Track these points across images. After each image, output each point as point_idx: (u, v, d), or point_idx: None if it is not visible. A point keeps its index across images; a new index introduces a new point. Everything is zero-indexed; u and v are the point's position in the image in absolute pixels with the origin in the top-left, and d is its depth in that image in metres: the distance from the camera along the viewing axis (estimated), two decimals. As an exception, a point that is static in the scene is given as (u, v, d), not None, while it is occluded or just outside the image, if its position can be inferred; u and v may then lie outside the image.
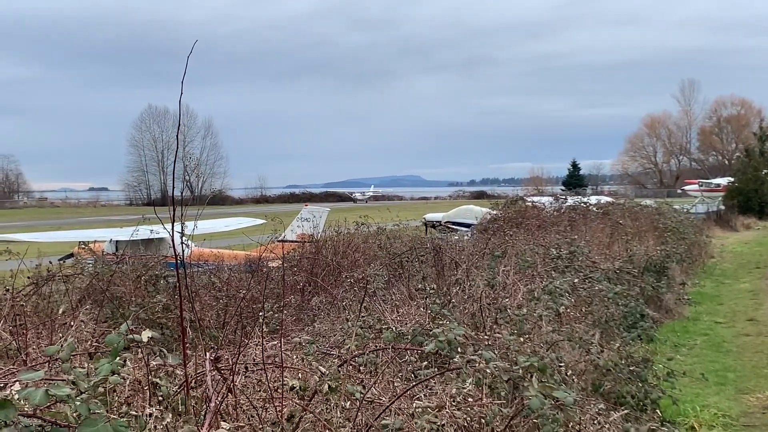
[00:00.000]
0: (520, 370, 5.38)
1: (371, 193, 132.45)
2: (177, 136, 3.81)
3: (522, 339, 7.27)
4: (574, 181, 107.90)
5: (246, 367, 5.16)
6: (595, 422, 6.12)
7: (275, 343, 5.88)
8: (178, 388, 4.51)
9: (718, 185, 63.12)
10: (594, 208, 24.99)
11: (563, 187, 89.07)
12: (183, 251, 5.61)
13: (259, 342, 5.60)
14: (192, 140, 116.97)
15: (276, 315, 8.87)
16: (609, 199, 33.72)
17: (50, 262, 10.70)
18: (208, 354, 4.68)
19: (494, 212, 23.89)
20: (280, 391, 4.81)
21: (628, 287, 13.43)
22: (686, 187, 76.33)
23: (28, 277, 9.74)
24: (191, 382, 4.52)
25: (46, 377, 3.80)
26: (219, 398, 4.37)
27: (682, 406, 9.10)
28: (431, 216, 37.32)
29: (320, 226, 20.97)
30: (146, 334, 4.03)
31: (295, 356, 6.12)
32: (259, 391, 5.07)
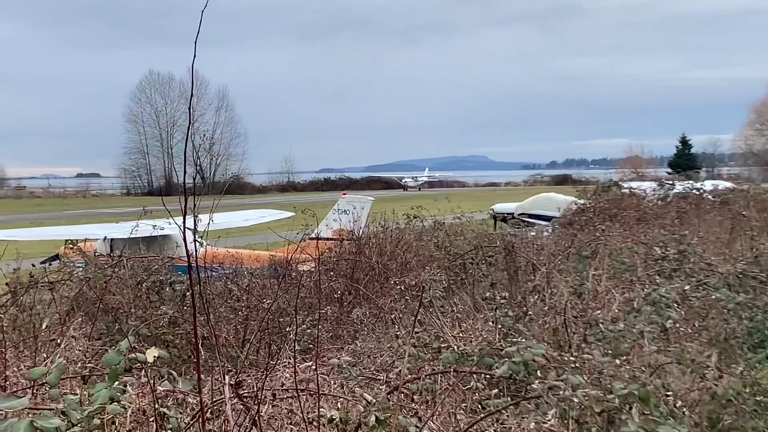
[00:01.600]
0: (616, 400, 5.34)
1: (425, 178, 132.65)
2: (189, 109, 3.84)
3: (618, 361, 7.22)
4: (684, 161, 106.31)
5: (274, 395, 5.21)
6: (713, 466, 6.07)
7: (309, 365, 5.94)
8: (191, 420, 4.58)
9: None
10: (710, 196, 24.65)
11: (670, 170, 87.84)
12: (196, 251, 5.68)
13: (289, 364, 5.66)
14: (203, 114, 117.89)
15: (309, 330, 8.95)
16: (729, 184, 33.25)
17: (32, 266, 10.90)
18: (227, 378, 4.73)
19: (581, 202, 23.73)
20: (315, 423, 4.85)
21: (753, 296, 13.21)
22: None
23: (6, 284, 9.94)
24: (207, 413, 4.58)
25: (31, 406, 3.88)
26: (241, 432, 4.43)
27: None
28: (501, 207, 37.25)
29: (362, 220, 21.01)
30: (152, 353, 4.09)
31: (333, 381, 6.18)
32: (290, 424, 5.13)
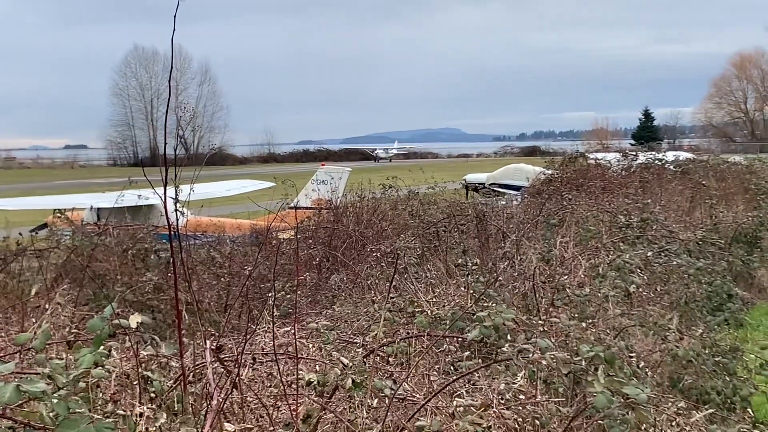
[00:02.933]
0: (583, 362, 5.34)
1: (395, 150, 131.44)
2: (169, 81, 3.78)
3: (584, 324, 7.24)
4: (647, 133, 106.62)
5: (254, 359, 5.19)
6: (673, 423, 6.07)
7: (288, 329, 5.91)
8: (174, 383, 4.55)
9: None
10: (671, 167, 24.74)
11: (633, 141, 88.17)
12: (177, 220, 5.62)
13: (268, 329, 5.63)
14: (186, 88, 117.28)
15: (288, 296, 8.91)
16: (689, 155, 33.35)
17: (20, 234, 10.80)
18: (208, 342, 4.70)
19: (549, 172, 23.74)
20: (294, 386, 4.83)
21: (712, 262, 13.31)
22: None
23: (-6, 252, 9.84)
24: (189, 376, 4.55)
25: (17, 370, 3.84)
26: (222, 395, 4.40)
27: (778, 404, 9.04)
28: (473, 177, 37.29)
29: (340, 190, 20.99)
30: (135, 319, 4.05)
31: (311, 345, 6.15)
32: (270, 386, 5.10)
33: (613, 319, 8.07)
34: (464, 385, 5.66)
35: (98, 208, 20.19)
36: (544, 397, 5.40)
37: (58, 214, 14.90)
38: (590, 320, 7.73)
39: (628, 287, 9.21)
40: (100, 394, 4.18)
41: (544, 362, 5.33)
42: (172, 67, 4.24)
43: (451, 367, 6.41)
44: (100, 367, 3.80)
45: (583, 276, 9.57)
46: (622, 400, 4.83)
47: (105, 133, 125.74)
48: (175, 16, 3.77)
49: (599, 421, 5.12)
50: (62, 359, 3.88)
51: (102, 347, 3.88)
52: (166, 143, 4.75)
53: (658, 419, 5.84)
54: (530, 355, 5.47)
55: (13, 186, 65.73)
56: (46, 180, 77.96)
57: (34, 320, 7.49)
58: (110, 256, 10.52)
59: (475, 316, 6.16)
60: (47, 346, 4.17)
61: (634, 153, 26.44)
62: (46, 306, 7.60)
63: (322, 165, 25.94)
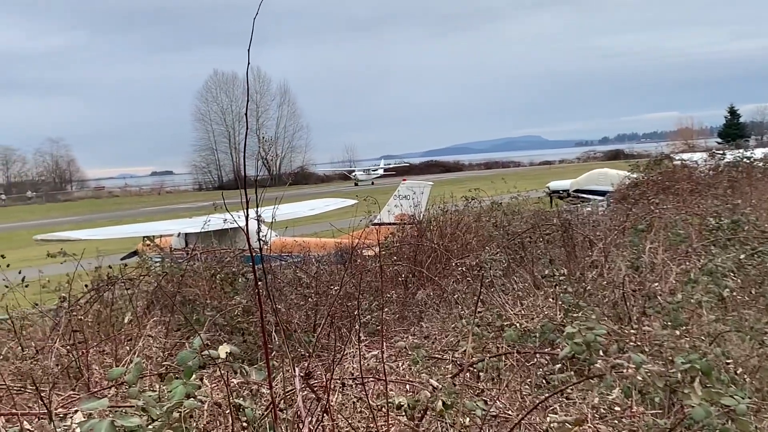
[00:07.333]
0: (678, 374, 5.22)
1: (381, 171, 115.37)
2: (246, 113, 3.81)
3: (678, 332, 7.08)
4: (733, 131, 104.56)
5: (343, 384, 5.18)
6: (776, 432, 5.90)
7: (376, 353, 5.89)
8: (265, 411, 4.57)
9: None
10: (760, 164, 24.14)
11: (719, 140, 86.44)
12: (260, 243, 5.68)
13: (356, 350, 5.62)
14: (266, 109, 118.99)
15: (375, 314, 8.92)
16: (779, 151, 32.52)
17: (110, 267, 11.02)
18: (297, 369, 4.71)
19: (634, 176, 23.41)
20: (384, 410, 4.81)
21: (809, 261, 12.92)
22: None
23: (85, 285, 10.05)
24: (279, 403, 4.56)
25: (112, 404, 3.89)
26: (313, 421, 4.40)
27: None
28: (556, 184, 36.93)
29: (422, 204, 20.97)
30: (224, 349, 4.08)
31: (400, 364, 6.13)
32: (360, 410, 5.09)
33: (707, 325, 7.87)
34: (557, 399, 5.58)
35: (185, 234, 20.55)
36: (640, 409, 5.30)
37: (148, 242, 15.21)
38: (683, 328, 7.56)
39: (722, 292, 8.98)
40: (194, 424, 4.22)
41: (639, 378, 5.23)
42: (248, 98, 4.28)
43: (543, 381, 6.32)
44: (192, 398, 3.83)
45: (674, 282, 9.37)
46: (719, 409, 4.71)
47: (189, 158, 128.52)
48: (249, 50, 3.80)
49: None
50: (155, 391, 3.94)
51: (193, 377, 3.92)
52: (245, 166, 4.82)
53: (759, 426, 5.68)
54: (624, 370, 5.37)
55: (103, 215, 67.47)
56: (134, 207, 79.75)
57: (128, 348, 7.64)
58: (199, 280, 10.67)
59: (565, 333, 6.07)
60: (139, 379, 4.23)
61: (721, 152, 25.85)
62: (138, 333, 7.74)
63: (404, 180, 25.96)
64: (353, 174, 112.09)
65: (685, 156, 27.41)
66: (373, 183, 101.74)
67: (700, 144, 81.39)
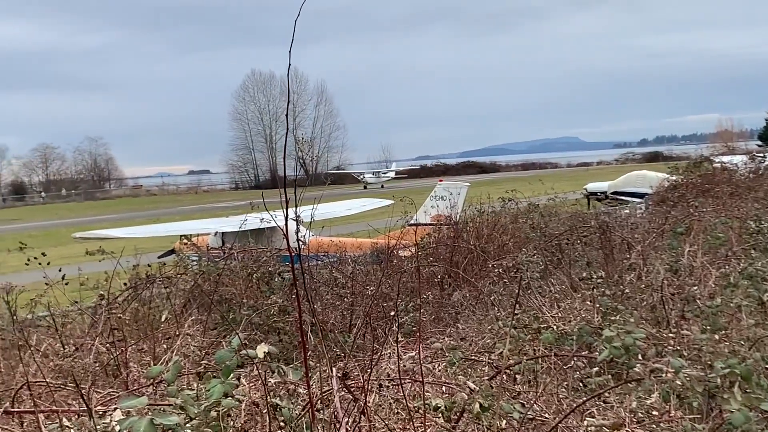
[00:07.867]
0: (718, 379, 5.18)
1: (392, 174, 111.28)
2: (287, 115, 3.82)
3: (717, 336, 7.01)
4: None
5: (380, 384, 5.19)
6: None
7: (413, 354, 5.90)
8: (302, 410, 4.58)
9: None
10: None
11: (760, 142, 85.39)
12: (299, 243, 5.69)
13: (393, 351, 5.63)
14: (303, 109, 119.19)
15: (412, 314, 8.92)
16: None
17: (148, 266, 11.11)
18: (334, 370, 4.72)
19: (673, 178, 23.22)
20: (421, 411, 4.81)
21: None
22: None
23: (123, 284, 10.14)
24: (316, 403, 4.57)
25: (151, 402, 3.92)
26: (350, 422, 4.41)
27: None
28: (594, 186, 36.70)
29: (459, 205, 20.95)
30: (262, 349, 4.09)
31: (436, 366, 6.13)
32: (397, 411, 5.09)
33: (746, 330, 7.78)
34: (595, 403, 5.55)
35: (222, 233, 20.65)
36: (678, 413, 5.25)
37: (185, 240, 15.33)
38: (723, 332, 7.49)
39: (762, 296, 8.89)
40: (231, 423, 4.24)
41: (678, 383, 5.20)
42: (288, 99, 4.30)
43: (580, 384, 6.29)
44: (230, 397, 3.86)
45: (713, 286, 9.28)
46: (760, 415, 4.68)
47: (226, 157, 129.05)
48: (290, 51, 3.81)
49: (738, 437, 4.95)
50: (193, 389, 3.97)
51: (231, 376, 3.94)
52: (285, 166, 4.84)
53: (799, 432, 5.61)
54: (663, 374, 5.34)
55: (141, 213, 68.05)
56: (171, 206, 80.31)
57: (165, 346, 7.70)
58: (236, 279, 10.73)
59: (603, 336, 6.04)
60: (177, 377, 4.26)
61: (762, 154, 25.58)
62: (177, 332, 7.80)
63: (440, 180, 25.94)
64: (361, 177, 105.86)
65: (725, 158, 27.17)
66: (383, 186, 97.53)
67: (740, 146, 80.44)
